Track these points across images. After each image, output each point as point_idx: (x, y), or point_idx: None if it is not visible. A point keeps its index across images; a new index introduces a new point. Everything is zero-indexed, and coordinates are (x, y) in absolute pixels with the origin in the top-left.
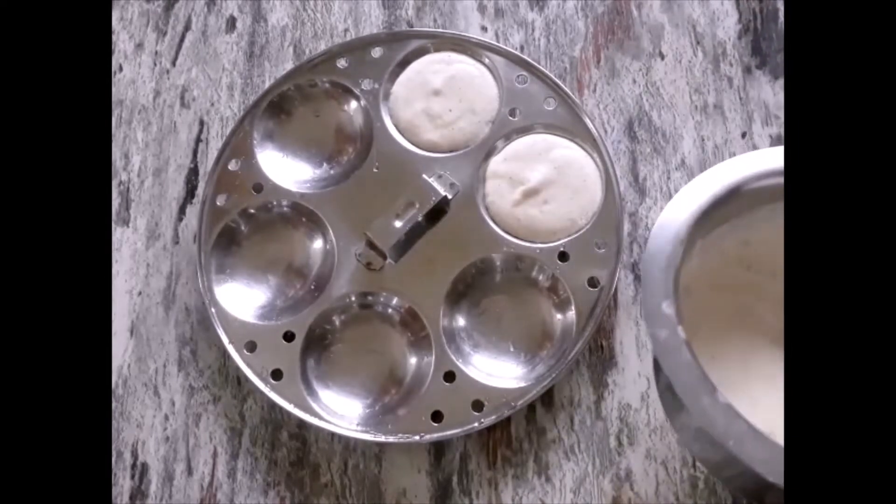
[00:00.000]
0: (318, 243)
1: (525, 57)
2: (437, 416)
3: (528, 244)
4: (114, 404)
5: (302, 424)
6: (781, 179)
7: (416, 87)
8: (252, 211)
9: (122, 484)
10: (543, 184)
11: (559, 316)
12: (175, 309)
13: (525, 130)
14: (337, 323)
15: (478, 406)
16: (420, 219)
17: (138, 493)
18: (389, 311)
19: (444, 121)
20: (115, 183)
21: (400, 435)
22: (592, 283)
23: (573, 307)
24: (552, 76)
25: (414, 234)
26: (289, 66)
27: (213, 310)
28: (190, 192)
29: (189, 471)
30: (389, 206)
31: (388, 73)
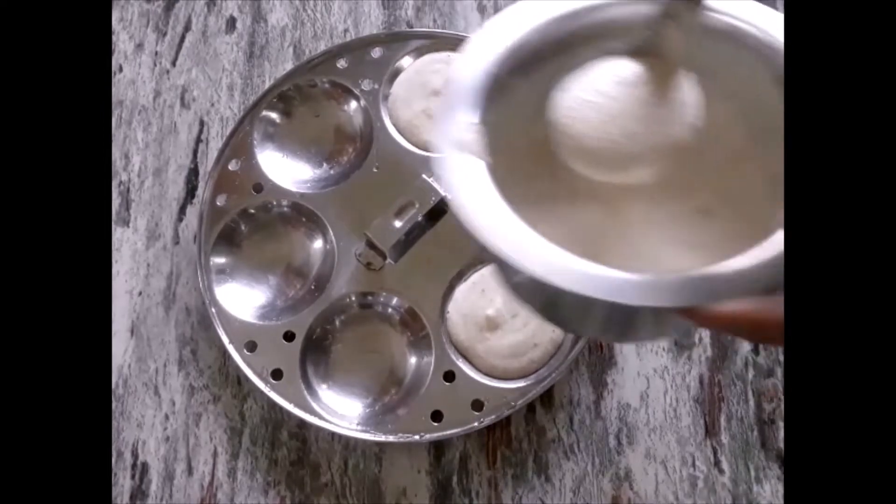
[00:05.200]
0: (318, 243)
1: None
2: (436, 416)
3: None
4: (114, 404)
5: (302, 424)
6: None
7: (416, 87)
8: (252, 211)
9: (123, 483)
10: None
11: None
12: (175, 309)
13: None
14: (337, 323)
15: (477, 405)
16: (420, 219)
17: (139, 493)
18: (389, 311)
19: None
20: (115, 183)
21: (400, 434)
22: None
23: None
24: None
25: (414, 234)
26: (289, 66)
27: (213, 310)
28: (190, 192)
29: (189, 470)
30: (389, 206)
31: (388, 73)
